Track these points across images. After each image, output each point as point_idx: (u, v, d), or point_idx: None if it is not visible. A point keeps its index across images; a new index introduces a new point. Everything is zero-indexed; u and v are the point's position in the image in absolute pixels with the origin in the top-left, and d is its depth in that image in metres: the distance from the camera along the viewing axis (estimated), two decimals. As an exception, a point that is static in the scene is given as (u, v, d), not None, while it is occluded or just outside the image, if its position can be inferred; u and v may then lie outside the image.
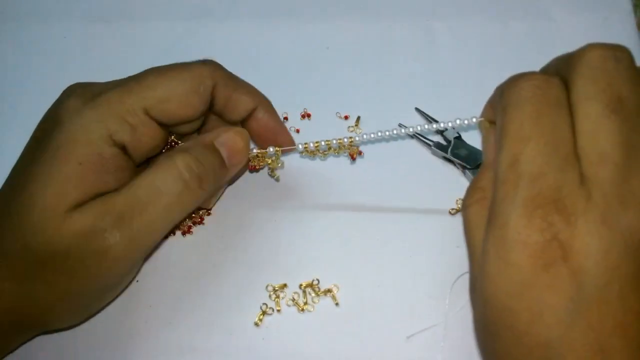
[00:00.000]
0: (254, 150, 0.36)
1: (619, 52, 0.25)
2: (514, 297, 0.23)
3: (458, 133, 0.39)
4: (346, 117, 0.42)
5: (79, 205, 0.29)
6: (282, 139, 0.36)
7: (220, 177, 0.33)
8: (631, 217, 0.22)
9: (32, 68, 0.45)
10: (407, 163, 0.40)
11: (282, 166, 0.37)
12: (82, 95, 0.31)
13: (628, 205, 0.22)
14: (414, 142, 0.41)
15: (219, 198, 0.39)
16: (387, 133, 0.35)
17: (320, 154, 0.36)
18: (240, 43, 0.45)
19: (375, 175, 0.39)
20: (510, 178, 0.24)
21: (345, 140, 0.36)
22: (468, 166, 0.38)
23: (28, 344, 0.34)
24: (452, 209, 0.38)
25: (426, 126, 0.34)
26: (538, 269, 0.23)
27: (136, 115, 0.30)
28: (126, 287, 0.36)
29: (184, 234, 0.38)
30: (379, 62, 0.44)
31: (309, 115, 0.42)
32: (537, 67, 0.30)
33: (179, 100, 0.31)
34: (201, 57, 0.44)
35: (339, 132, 0.41)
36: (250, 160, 0.36)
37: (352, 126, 0.41)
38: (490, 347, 0.26)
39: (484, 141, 0.31)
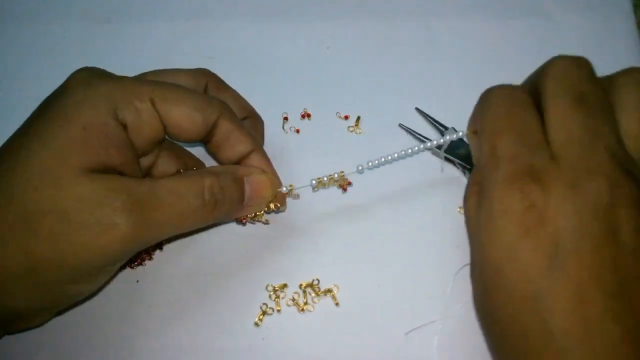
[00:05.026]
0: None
1: (581, 61, 0.29)
2: (503, 259, 0.27)
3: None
4: (346, 117, 0.42)
5: (85, 171, 0.28)
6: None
7: (232, 212, 0.34)
8: (599, 182, 0.25)
9: (32, 68, 0.45)
10: (407, 163, 0.40)
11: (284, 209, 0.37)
12: (93, 71, 0.31)
13: (595, 173, 0.26)
14: (414, 142, 0.41)
15: None
16: (395, 155, 0.36)
17: (319, 187, 0.37)
18: (240, 43, 0.45)
19: (375, 175, 0.39)
20: (491, 162, 0.28)
21: (336, 175, 0.36)
22: (468, 166, 0.38)
23: (25, 343, 0.34)
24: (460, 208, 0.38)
25: (416, 148, 0.36)
26: (520, 232, 0.26)
27: (143, 101, 0.31)
28: (93, 294, 0.35)
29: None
30: (379, 62, 0.44)
31: (309, 115, 0.42)
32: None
33: (184, 110, 0.32)
34: (201, 57, 0.45)
35: (339, 132, 0.41)
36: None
37: (352, 126, 0.42)
38: (488, 310, 0.29)
39: (472, 147, 0.34)
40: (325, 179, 0.36)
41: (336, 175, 0.36)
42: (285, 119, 0.42)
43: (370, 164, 0.36)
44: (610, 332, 0.24)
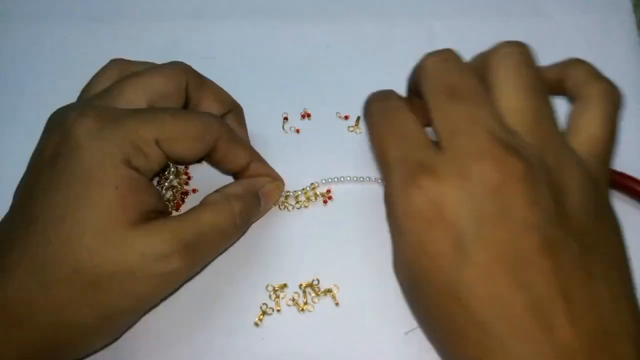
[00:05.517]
0: None
1: (445, 54, 0.31)
2: (418, 255, 0.28)
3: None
4: (346, 117, 0.42)
5: (133, 226, 0.29)
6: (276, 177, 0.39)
7: (254, 221, 0.37)
8: (483, 165, 0.26)
9: (32, 68, 0.45)
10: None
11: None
12: (97, 118, 0.30)
13: (479, 157, 0.27)
14: (414, 142, 0.41)
15: None
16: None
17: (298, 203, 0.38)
18: (240, 43, 0.45)
19: (375, 174, 0.39)
20: (385, 168, 0.30)
21: (317, 183, 0.39)
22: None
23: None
24: None
25: (367, 178, 0.36)
26: (425, 228, 0.27)
27: (149, 145, 0.31)
28: None
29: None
30: (379, 62, 0.44)
31: (309, 115, 0.42)
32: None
33: (185, 142, 0.33)
34: (201, 57, 0.45)
35: (339, 132, 0.41)
36: None
37: (352, 126, 0.42)
38: (417, 302, 0.30)
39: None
40: (298, 192, 0.38)
41: (317, 183, 0.38)
42: (285, 119, 0.42)
43: (324, 180, 0.39)
44: (518, 302, 0.25)
